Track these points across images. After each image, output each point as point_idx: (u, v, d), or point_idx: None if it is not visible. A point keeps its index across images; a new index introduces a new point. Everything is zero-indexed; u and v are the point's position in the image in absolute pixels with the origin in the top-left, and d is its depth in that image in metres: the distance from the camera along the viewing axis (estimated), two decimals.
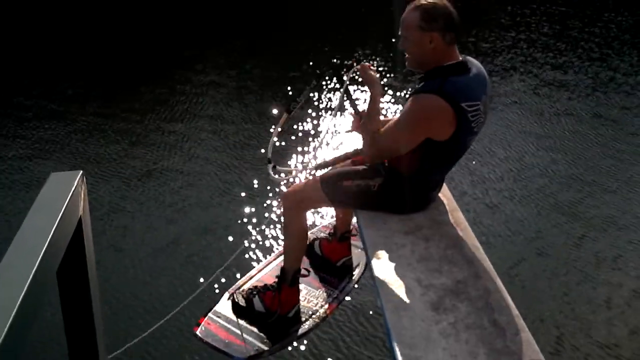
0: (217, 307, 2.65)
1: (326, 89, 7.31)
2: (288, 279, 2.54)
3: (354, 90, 2.59)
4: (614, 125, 6.88)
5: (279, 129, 2.53)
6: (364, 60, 2.63)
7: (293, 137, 6.43)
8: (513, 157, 6.14)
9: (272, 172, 2.59)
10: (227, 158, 6.11)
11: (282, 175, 3.08)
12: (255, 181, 5.54)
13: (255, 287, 2.67)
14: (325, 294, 2.82)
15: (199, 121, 7.04)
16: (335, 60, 8.55)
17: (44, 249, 0.98)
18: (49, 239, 1.01)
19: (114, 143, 6.46)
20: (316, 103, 7.14)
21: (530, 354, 1.63)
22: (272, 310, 2.56)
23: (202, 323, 2.57)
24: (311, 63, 8.79)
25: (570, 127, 6.82)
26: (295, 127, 6.60)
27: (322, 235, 3.09)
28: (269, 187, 5.42)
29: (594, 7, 12.06)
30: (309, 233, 3.11)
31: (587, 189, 5.48)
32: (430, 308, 1.83)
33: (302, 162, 5.77)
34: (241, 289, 2.71)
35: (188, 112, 7.28)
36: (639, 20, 11.28)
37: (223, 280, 4.08)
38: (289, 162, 5.87)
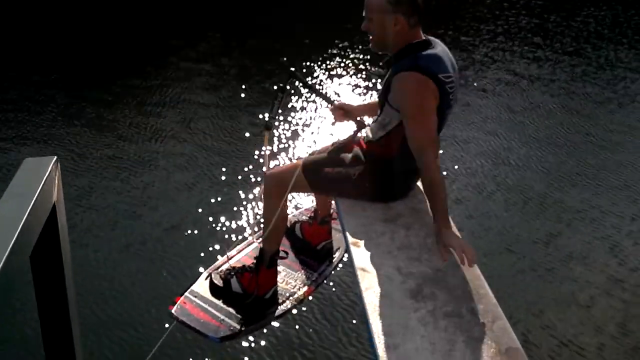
0: (194, 287, 2.64)
1: (295, 92, 7.22)
2: (266, 261, 2.55)
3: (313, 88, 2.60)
4: (587, 119, 6.94)
5: (267, 148, 2.55)
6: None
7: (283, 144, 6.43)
8: (485, 151, 6.14)
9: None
10: (206, 144, 6.07)
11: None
12: (234, 168, 5.52)
13: (233, 267, 2.67)
14: (304, 276, 2.84)
15: (174, 111, 6.96)
16: (301, 62, 8.52)
17: (17, 234, 0.97)
18: (21, 224, 0.99)
19: (89, 131, 6.36)
20: (291, 108, 7.08)
21: (508, 341, 1.64)
22: (249, 292, 2.56)
23: (178, 302, 2.56)
24: (285, 59, 8.74)
25: (543, 122, 6.86)
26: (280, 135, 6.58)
27: (304, 218, 3.09)
28: (247, 172, 5.40)
29: (574, 1, 12.16)
30: (290, 216, 3.12)
31: (556, 184, 5.51)
32: (409, 296, 1.84)
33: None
34: (219, 270, 2.71)
35: (164, 102, 7.19)
36: (617, 15, 11.41)
37: (200, 262, 4.08)
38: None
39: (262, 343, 3.62)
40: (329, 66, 8.44)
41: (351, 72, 8.23)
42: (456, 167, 5.77)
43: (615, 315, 3.96)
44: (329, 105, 2.73)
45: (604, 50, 9.41)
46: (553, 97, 7.56)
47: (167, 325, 2.84)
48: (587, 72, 8.43)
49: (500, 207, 5.15)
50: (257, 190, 5.08)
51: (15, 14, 10.39)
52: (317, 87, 2.27)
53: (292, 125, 6.49)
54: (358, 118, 2.68)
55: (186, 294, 2.60)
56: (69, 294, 1.21)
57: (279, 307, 2.60)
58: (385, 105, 2.26)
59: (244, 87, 7.61)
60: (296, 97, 7.07)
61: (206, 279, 2.67)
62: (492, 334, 1.67)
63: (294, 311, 2.89)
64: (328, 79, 7.95)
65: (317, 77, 7.94)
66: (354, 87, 7.69)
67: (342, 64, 8.51)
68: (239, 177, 5.35)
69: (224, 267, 2.74)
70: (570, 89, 7.82)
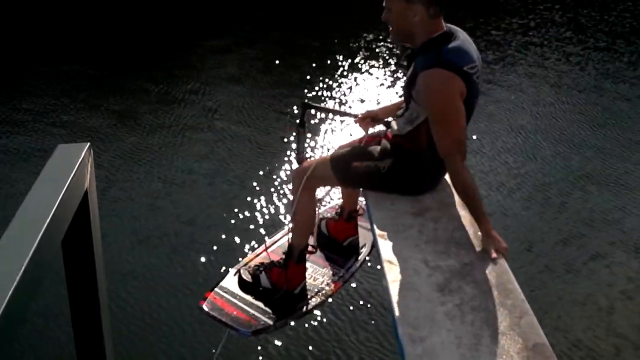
0: (224, 283, 2.66)
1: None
2: (295, 256, 2.55)
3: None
4: (616, 117, 6.76)
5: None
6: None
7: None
8: (506, 148, 6.04)
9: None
10: (228, 136, 6.10)
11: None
12: (258, 161, 5.53)
13: (262, 263, 2.68)
14: (330, 272, 2.83)
15: (197, 103, 7.01)
16: (326, 56, 8.46)
17: (49, 219, 0.98)
18: (54, 210, 1.00)
19: (113, 121, 6.46)
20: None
21: (535, 337, 1.62)
22: (279, 287, 2.57)
23: (209, 297, 2.58)
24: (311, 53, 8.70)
25: (571, 118, 6.72)
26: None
27: (329, 215, 3.09)
28: (271, 167, 5.41)
29: None
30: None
31: (579, 183, 5.38)
32: (436, 289, 1.83)
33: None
34: (247, 265, 2.72)
35: (187, 94, 7.24)
36: None
37: (228, 257, 4.10)
38: None
39: (282, 340, 3.65)
40: (355, 59, 8.39)
41: (378, 65, 8.17)
42: (478, 161, 5.70)
43: (635, 320, 3.85)
44: (353, 119, 2.72)
45: (637, 45, 9.15)
46: (581, 92, 7.39)
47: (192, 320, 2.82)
48: (619, 68, 8.21)
49: (520, 205, 5.06)
50: (282, 185, 5.09)
51: (45, 6, 10.58)
52: (335, 107, 2.26)
53: (320, 121, 6.48)
54: (385, 120, 2.64)
55: (216, 289, 2.62)
56: (99, 280, 1.23)
57: (308, 302, 2.61)
58: (411, 102, 2.24)
59: (268, 79, 7.62)
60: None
61: (235, 274, 2.69)
62: (519, 329, 1.65)
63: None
64: (354, 73, 7.90)
65: (342, 72, 7.91)
66: (380, 82, 7.64)
67: (368, 58, 8.46)
68: (262, 172, 5.36)
69: (253, 263, 2.75)
70: (601, 85, 7.62)
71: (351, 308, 3.88)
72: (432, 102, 2.13)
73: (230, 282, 2.66)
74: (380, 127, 2.68)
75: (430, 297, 1.79)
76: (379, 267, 2.07)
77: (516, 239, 4.59)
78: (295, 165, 4.85)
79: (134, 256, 4.33)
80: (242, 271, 2.66)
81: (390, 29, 2.24)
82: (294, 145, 2.24)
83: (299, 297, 2.60)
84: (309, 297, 2.63)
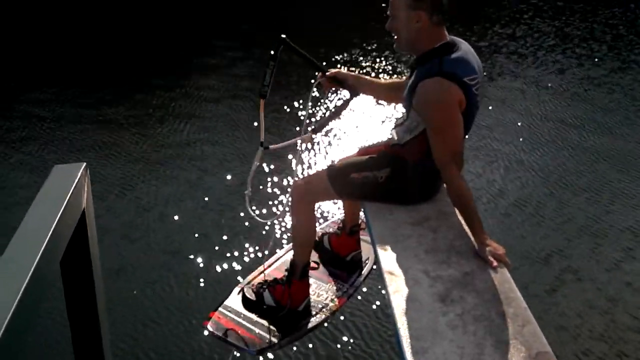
0: (227, 302, 2.65)
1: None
2: (298, 273, 2.54)
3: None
4: (597, 124, 6.67)
5: (262, 115, 2.50)
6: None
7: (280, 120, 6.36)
8: (504, 154, 5.97)
9: (260, 150, 2.52)
10: (232, 152, 6.06)
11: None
12: (262, 176, 5.50)
13: (265, 281, 2.66)
14: (334, 287, 2.81)
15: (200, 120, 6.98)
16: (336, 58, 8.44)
17: (47, 240, 0.99)
18: (51, 230, 1.01)
19: (116, 133, 6.43)
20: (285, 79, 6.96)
21: (538, 346, 1.62)
22: (283, 304, 2.55)
23: (213, 317, 2.57)
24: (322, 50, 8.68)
25: (552, 124, 6.63)
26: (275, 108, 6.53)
27: (331, 230, 3.07)
28: (277, 181, 5.38)
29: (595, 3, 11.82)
30: (318, 229, 3.11)
31: (557, 192, 5.27)
32: (438, 299, 1.82)
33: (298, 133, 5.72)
34: (251, 284, 2.71)
35: (190, 110, 7.21)
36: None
37: (232, 276, 4.08)
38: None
39: (288, 358, 3.62)
40: (366, 64, 8.39)
41: (377, 74, 8.19)
42: (478, 168, 5.67)
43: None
44: (320, 74, 2.59)
45: (618, 51, 9.08)
46: (569, 106, 7.19)
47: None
48: (604, 76, 8.08)
49: (506, 218, 4.94)
50: (286, 202, 5.05)
51: (45, 18, 10.63)
52: (309, 55, 2.23)
53: (318, 135, 6.41)
54: (352, 87, 2.57)
55: (220, 308, 2.61)
56: (98, 299, 1.23)
57: (312, 319, 2.59)
58: (411, 111, 2.25)
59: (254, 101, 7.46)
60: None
61: (239, 293, 2.67)
62: (522, 338, 1.64)
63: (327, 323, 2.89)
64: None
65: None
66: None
67: (380, 64, 8.46)
68: (266, 186, 5.31)
69: (256, 281, 2.74)
70: (584, 95, 7.47)
71: (354, 321, 3.86)
72: (431, 111, 2.14)
73: (234, 301, 2.65)
74: (345, 94, 2.61)
75: (431, 307, 1.79)
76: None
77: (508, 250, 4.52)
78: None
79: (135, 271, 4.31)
80: (245, 289, 2.65)
81: (395, 37, 2.25)
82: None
83: (303, 314, 2.58)
84: (313, 313, 2.61)
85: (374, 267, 2.92)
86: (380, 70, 8.43)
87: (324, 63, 2.48)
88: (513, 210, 5.00)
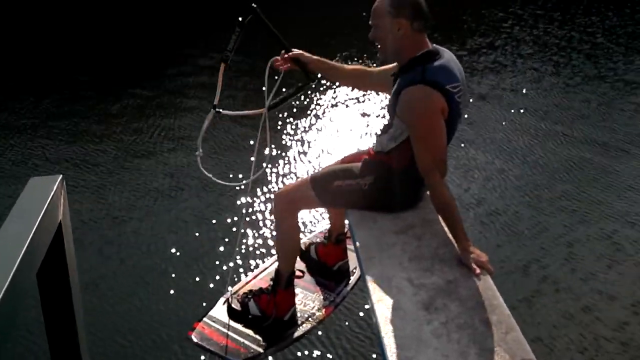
0: (212, 312, 2.64)
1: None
2: (283, 282, 2.53)
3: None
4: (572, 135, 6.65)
5: (220, 78, 2.49)
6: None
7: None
8: (480, 163, 5.91)
9: (213, 115, 2.55)
10: (208, 164, 5.90)
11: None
12: (250, 191, 5.40)
13: (251, 290, 2.65)
14: (321, 297, 2.80)
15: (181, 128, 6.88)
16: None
17: (22, 252, 0.97)
18: (27, 243, 0.99)
19: (92, 146, 6.31)
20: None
21: (521, 353, 1.62)
22: (268, 314, 2.54)
23: (197, 327, 2.55)
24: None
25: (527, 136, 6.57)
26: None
27: (318, 240, 3.07)
28: (264, 192, 5.33)
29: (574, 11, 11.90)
30: (305, 239, 3.10)
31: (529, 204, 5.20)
32: (422, 308, 1.82)
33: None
34: (236, 294, 2.69)
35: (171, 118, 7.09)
36: (616, 24, 11.08)
37: (208, 288, 4.03)
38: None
39: None
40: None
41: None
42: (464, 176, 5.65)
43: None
44: (283, 51, 2.56)
45: (596, 59, 9.14)
46: (546, 115, 7.14)
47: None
48: (581, 84, 8.06)
49: (482, 227, 4.85)
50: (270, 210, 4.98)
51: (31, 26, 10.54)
52: (276, 30, 2.22)
53: (297, 142, 6.38)
54: (309, 69, 2.57)
55: (204, 319, 2.59)
56: (76, 312, 1.21)
57: (298, 328, 2.58)
58: (395, 118, 2.25)
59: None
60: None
61: (224, 303, 2.66)
62: (505, 345, 1.64)
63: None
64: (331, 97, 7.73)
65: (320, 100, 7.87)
66: (366, 98, 7.61)
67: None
68: (253, 199, 5.21)
69: (242, 291, 2.73)
70: (562, 104, 7.44)
71: (338, 330, 3.83)
72: (414, 118, 2.15)
73: (219, 311, 2.63)
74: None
75: (415, 316, 1.78)
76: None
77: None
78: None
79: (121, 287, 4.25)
80: (231, 300, 2.63)
81: (378, 46, 2.26)
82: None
83: (289, 324, 2.57)
84: (299, 323, 2.60)
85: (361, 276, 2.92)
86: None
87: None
88: (489, 219, 4.97)
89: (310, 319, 2.64)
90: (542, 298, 4.07)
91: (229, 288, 2.81)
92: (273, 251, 4.39)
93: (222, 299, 2.71)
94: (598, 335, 3.75)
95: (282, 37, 2.53)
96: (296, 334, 2.56)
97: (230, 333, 2.51)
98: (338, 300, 2.82)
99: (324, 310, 2.71)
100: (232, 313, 2.60)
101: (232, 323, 2.56)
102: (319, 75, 2.62)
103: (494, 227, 4.88)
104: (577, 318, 3.89)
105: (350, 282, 2.92)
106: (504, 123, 6.87)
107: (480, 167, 5.86)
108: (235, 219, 4.88)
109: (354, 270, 2.96)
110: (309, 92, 7.51)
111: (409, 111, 2.14)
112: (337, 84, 7.86)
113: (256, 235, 4.73)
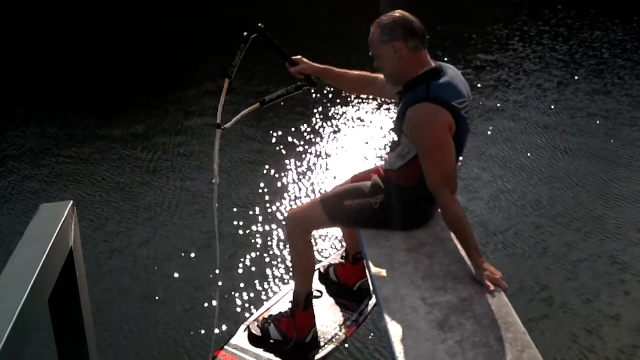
0: (233, 340, 2.62)
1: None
2: (301, 303, 2.52)
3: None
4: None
5: (223, 95, 2.49)
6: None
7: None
8: (483, 181, 5.82)
9: (218, 132, 2.50)
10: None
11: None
12: (260, 207, 5.34)
13: (270, 315, 2.65)
14: (342, 317, 2.78)
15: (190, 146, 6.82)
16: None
17: (34, 278, 0.98)
18: (38, 269, 1.00)
19: (107, 171, 6.25)
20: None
21: None
22: (289, 337, 2.53)
23: (218, 356, 2.53)
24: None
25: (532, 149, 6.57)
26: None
27: (336, 261, 3.05)
28: (274, 209, 5.30)
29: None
30: (324, 262, 3.10)
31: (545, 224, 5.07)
32: (436, 327, 1.80)
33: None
34: (256, 320, 2.68)
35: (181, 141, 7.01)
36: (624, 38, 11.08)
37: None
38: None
39: None
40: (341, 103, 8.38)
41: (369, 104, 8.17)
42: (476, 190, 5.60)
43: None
44: (289, 65, 2.59)
45: (605, 76, 9.02)
46: (551, 132, 7.04)
47: None
48: (584, 100, 7.96)
49: (482, 247, 4.58)
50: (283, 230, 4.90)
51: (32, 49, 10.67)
52: (282, 48, 2.24)
53: (306, 163, 6.32)
54: (312, 77, 2.60)
55: (225, 347, 2.57)
56: (87, 336, 1.21)
57: (320, 350, 2.56)
58: (402, 136, 2.25)
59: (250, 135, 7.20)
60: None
61: (244, 331, 2.65)
62: None
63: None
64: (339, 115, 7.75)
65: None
66: (370, 118, 7.60)
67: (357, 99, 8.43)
68: (261, 223, 5.14)
69: (261, 318, 2.72)
70: (566, 121, 7.34)
71: (353, 352, 3.77)
72: (420, 135, 2.15)
73: (240, 338, 2.62)
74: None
75: (429, 335, 1.76)
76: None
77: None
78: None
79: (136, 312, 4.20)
80: (251, 326, 2.62)
81: (384, 74, 2.31)
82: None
83: (310, 345, 2.55)
84: (321, 344, 2.58)
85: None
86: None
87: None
88: (490, 238, 4.89)
89: (332, 339, 2.62)
90: (545, 319, 3.97)
91: (248, 315, 2.79)
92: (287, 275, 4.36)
93: (243, 326, 2.69)
94: (603, 357, 3.66)
95: (286, 51, 2.55)
96: (318, 356, 2.54)
97: (251, 359, 2.49)
98: (360, 319, 2.80)
99: (345, 329, 2.70)
100: (252, 339, 2.58)
101: (253, 349, 2.54)
102: (321, 80, 2.64)
103: (494, 246, 4.79)
104: (583, 339, 3.80)
105: (372, 300, 2.88)
106: (507, 140, 6.82)
107: (481, 184, 5.78)
108: (242, 242, 4.84)
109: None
110: (317, 113, 7.53)
111: (415, 128, 2.14)
112: (342, 96, 7.94)
113: (269, 260, 4.66)
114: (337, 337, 2.64)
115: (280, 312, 2.63)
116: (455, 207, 2.12)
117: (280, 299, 2.96)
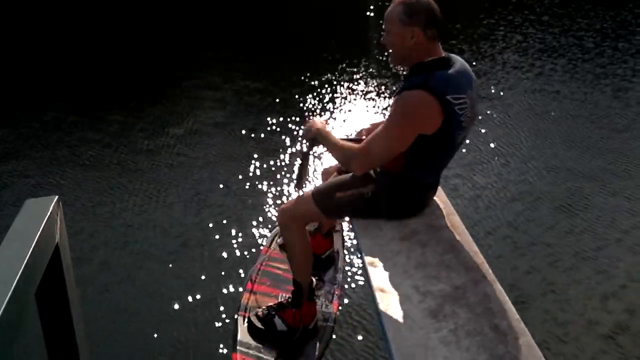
0: (241, 337, 2.59)
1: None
2: (305, 293, 2.52)
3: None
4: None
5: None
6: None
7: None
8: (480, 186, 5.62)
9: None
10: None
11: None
12: (243, 213, 5.15)
13: (271, 306, 2.63)
14: (322, 291, 2.86)
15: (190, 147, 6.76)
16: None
17: (18, 275, 0.95)
18: (23, 265, 0.98)
19: (91, 169, 6.12)
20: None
21: (532, 358, 1.59)
22: (295, 327, 2.53)
23: (237, 359, 2.51)
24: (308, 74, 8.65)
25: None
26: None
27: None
28: (256, 223, 5.29)
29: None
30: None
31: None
32: (429, 315, 1.79)
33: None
34: (255, 312, 2.65)
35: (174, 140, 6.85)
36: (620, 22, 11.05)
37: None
38: None
39: None
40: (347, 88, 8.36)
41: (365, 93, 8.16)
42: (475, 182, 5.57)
43: None
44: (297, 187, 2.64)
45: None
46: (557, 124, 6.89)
47: None
48: (586, 93, 7.80)
49: (484, 250, 4.63)
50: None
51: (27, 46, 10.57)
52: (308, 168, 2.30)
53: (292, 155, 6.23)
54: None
55: (238, 347, 2.53)
56: (77, 334, 1.19)
57: (325, 332, 2.61)
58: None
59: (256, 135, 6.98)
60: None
61: (245, 322, 2.63)
62: (516, 351, 1.62)
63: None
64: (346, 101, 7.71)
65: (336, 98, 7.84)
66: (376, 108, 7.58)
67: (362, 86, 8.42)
68: (249, 227, 5.03)
69: (257, 305, 2.73)
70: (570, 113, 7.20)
71: (342, 340, 3.76)
72: (395, 108, 2.13)
73: (245, 334, 2.60)
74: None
75: (423, 324, 1.76)
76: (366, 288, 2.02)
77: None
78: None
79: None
80: (252, 318, 2.61)
81: (390, 51, 2.26)
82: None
83: (314, 331, 2.59)
84: (320, 326, 2.64)
85: (347, 258, 2.96)
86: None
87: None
88: (491, 240, 4.82)
89: (328, 319, 2.67)
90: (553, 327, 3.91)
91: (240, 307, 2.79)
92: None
93: (240, 318, 2.67)
94: None
95: (308, 172, 2.63)
96: (324, 337, 2.58)
97: (264, 356, 2.48)
98: (337, 291, 2.86)
99: (332, 306, 2.75)
100: (254, 331, 2.57)
101: (260, 345, 2.53)
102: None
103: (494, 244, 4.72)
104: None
105: (338, 267, 2.97)
106: (504, 135, 6.77)
107: (479, 187, 5.69)
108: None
109: (338, 252, 3.03)
110: (303, 108, 7.51)
111: (397, 102, 2.13)
112: (336, 95, 7.92)
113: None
114: (329, 316, 2.70)
115: (282, 303, 2.62)
116: (355, 169, 2.27)
117: (256, 277, 3.00)
